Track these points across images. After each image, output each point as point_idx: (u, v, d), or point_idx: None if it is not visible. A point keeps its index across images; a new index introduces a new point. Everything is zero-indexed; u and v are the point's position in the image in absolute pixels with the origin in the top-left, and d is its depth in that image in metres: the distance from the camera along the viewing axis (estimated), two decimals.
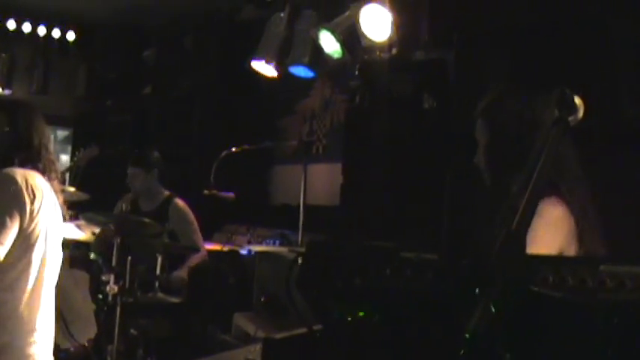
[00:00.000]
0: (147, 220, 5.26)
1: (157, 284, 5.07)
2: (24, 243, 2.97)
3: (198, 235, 5.94)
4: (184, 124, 8.60)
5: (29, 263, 2.99)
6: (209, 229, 6.73)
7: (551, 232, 2.39)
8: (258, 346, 3.32)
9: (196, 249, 5.78)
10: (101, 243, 5.53)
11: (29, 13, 9.02)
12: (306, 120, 7.56)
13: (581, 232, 2.45)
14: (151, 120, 9.22)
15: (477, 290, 1.40)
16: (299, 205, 5.33)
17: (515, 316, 1.42)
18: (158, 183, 6.00)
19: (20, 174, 3.00)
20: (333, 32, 5.00)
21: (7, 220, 2.90)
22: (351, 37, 4.98)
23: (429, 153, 4.92)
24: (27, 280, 3.00)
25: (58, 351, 3.22)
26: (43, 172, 3.11)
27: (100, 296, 4.92)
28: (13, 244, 2.92)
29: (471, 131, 2.75)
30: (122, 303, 4.78)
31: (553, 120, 1.67)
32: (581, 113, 1.69)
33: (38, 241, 3.01)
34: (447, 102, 4.79)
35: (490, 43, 4.51)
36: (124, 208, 5.72)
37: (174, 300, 5.19)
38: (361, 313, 1.72)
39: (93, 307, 4.78)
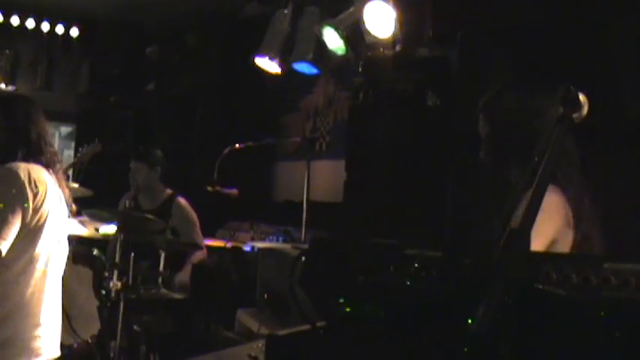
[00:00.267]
0: (150, 216, 5.26)
1: (159, 280, 5.08)
2: (28, 237, 2.97)
3: (200, 235, 5.95)
4: (187, 120, 8.60)
5: (34, 257, 3.00)
6: (212, 225, 6.73)
7: (545, 219, 2.38)
8: (261, 343, 3.32)
9: (198, 246, 5.79)
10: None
11: (33, 9, 9.03)
12: (310, 117, 7.56)
13: (578, 219, 2.44)
14: (154, 117, 9.22)
15: (480, 288, 1.40)
16: (302, 202, 5.33)
17: (519, 313, 1.42)
18: (160, 181, 5.99)
19: (23, 168, 3.00)
20: (336, 29, 5.00)
21: (10, 215, 2.90)
22: (354, 34, 4.98)
23: (432, 150, 4.92)
24: (31, 274, 3.00)
25: (61, 347, 3.22)
26: (47, 166, 3.11)
27: (103, 292, 4.93)
28: (17, 238, 2.92)
29: (474, 129, 2.76)
30: (125, 299, 4.79)
31: (557, 117, 1.67)
32: (585, 110, 1.70)
33: (42, 235, 3.02)
34: (450, 99, 4.79)
35: (493, 40, 4.50)
36: (127, 205, 5.72)
37: (177, 296, 5.19)
38: (364, 311, 1.72)
39: (96, 303, 4.79)
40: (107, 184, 6.57)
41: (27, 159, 3.06)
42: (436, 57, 5.03)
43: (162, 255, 5.06)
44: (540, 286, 1.43)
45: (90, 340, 4.55)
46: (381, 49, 5.01)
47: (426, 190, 4.89)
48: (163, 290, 5.08)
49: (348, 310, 1.74)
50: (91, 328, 4.57)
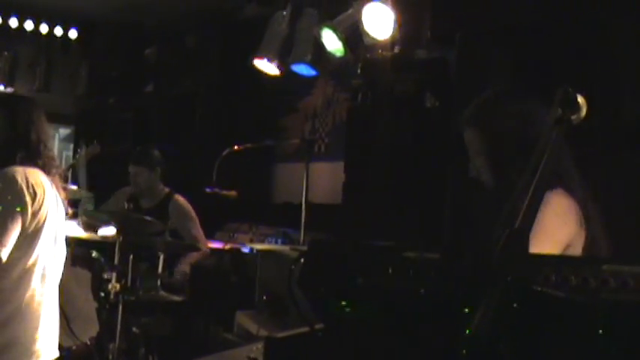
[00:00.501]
0: (149, 218, 5.26)
1: (158, 282, 5.08)
2: (27, 241, 2.97)
3: (200, 231, 5.95)
4: (186, 122, 8.60)
5: (33, 261, 2.99)
6: (211, 227, 6.73)
7: (560, 222, 2.35)
8: (260, 345, 3.32)
9: (198, 248, 5.79)
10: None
11: (32, 11, 9.02)
12: (308, 118, 7.56)
13: (586, 219, 2.42)
14: (153, 118, 9.21)
15: (479, 289, 1.40)
16: (301, 204, 5.33)
17: (518, 315, 1.42)
18: (159, 181, 6.01)
19: (21, 173, 2.99)
20: (335, 30, 5.00)
21: (9, 221, 2.89)
22: (353, 35, 4.98)
23: (431, 152, 4.92)
24: (31, 278, 3.00)
25: (60, 349, 3.22)
26: (44, 169, 3.10)
27: (102, 294, 4.93)
28: (16, 243, 2.92)
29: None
30: (124, 301, 4.78)
31: (555, 118, 1.67)
32: (583, 112, 1.69)
33: (41, 238, 3.01)
34: (449, 101, 4.79)
35: (492, 41, 4.50)
36: (126, 206, 5.72)
37: (176, 298, 5.19)
38: (363, 313, 1.72)
39: (95, 305, 4.79)
40: (106, 186, 6.57)
41: (25, 162, 3.05)
42: (435, 58, 5.03)
43: (161, 257, 5.06)
44: (539, 288, 1.43)
45: (89, 342, 4.54)
46: (380, 51, 5.02)
47: (425, 192, 4.89)
48: (162, 292, 5.07)
49: (347, 312, 1.74)
50: (90, 330, 4.56)
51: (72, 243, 5.26)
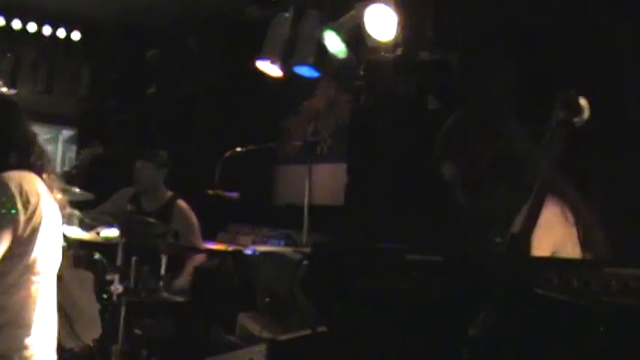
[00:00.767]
0: (152, 220, 5.26)
1: (161, 284, 5.08)
2: (21, 248, 2.93)
3: (199, 238, 5.95)
4: (188, 124, 8.61)
5: (27, 267, 2.95)
6: (213, 228, 6.73)
7: (541, 233, 2.35)
8: (263, 347, 3.32)
9: (198, 250, 5.79)
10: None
11: (34, 13, 9.02)
12: (311, 120, 7.56)
13: (583, 234, 2.42)
14: (155, 120, 9.22)
15: (482, 292, 1.40)
16: (303, 205, 5.33)
17: (520, 318, 1.42)
18: (163, 184, 6.01)
19: (14, 180, 2.94)
20: (337, 32, 5.01)
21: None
22: (355, 37, 4.98)
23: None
24: (25, 284, 2.96)
25: (62, 351, 3.21)
26: (38, 171, 3.06)
27: (105, 296, 4.93)
28: (10, 250, 2.88)
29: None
30: (127, 303, 4.79)
31: (558, 121, 1.67)
32: (586, 115, 1.69)
33: (36, 244, 2.96)
34: (452, 103, 4.79)
35: (495, 44, 4.50)
36: (128, 207, 5.72)
37: (179, 300, 5.19)
38: (366, 315, 1.72)
39: (97, 307, 4.79)
40: (109, 187, 6.57)
41: (18, 167, 3.01)
42: (437, 60, 5.02)
43: (164, 259, 5.06)
44: (541, 291, 1.43)
45: (91, 344, 4.54)
46: (382, 53, 5.02)
47: (428, 194, 4.89)
48: (165, 294, 5.08)
49: (349, 314, 1.74)
50: (92, 332, 4.56)
51: (74, 245, 5.27)
